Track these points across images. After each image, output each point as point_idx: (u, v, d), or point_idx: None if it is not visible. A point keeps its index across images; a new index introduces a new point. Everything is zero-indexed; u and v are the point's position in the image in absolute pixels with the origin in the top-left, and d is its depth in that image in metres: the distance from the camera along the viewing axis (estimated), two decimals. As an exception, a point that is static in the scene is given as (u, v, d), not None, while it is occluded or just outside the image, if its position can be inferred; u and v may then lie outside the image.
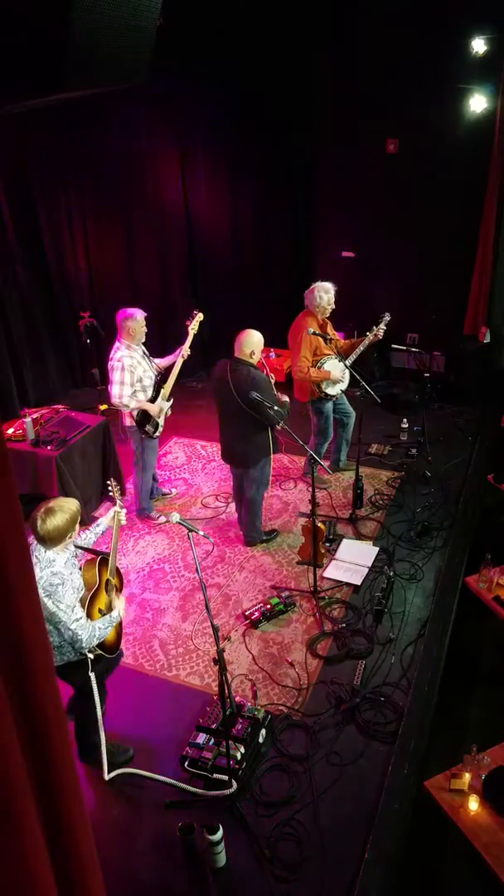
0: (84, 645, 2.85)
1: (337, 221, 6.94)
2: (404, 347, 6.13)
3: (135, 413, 4.64)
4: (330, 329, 5.11)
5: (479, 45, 5.60)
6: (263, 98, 6.29)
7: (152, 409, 4.66)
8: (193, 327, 4.82)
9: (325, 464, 5.39)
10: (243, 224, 6.94)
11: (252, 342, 4.24)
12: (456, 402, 6.44)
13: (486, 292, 6.58)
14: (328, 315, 4.96)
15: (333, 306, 4.91)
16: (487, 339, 6.69)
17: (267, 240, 7.03)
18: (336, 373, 4.92)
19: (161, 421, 4.78)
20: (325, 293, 4.82)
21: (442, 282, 6.72)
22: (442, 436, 5.94)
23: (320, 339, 4.85)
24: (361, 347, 5.00)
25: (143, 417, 4.65)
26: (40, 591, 2.76)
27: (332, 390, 5.03)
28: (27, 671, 1.16)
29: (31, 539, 2.84)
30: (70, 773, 1.36)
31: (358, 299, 5.75)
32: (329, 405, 5.14)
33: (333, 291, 4.85)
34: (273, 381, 4.41)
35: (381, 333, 4.99)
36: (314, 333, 4.76)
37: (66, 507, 2.85)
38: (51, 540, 2.81)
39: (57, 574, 2.80)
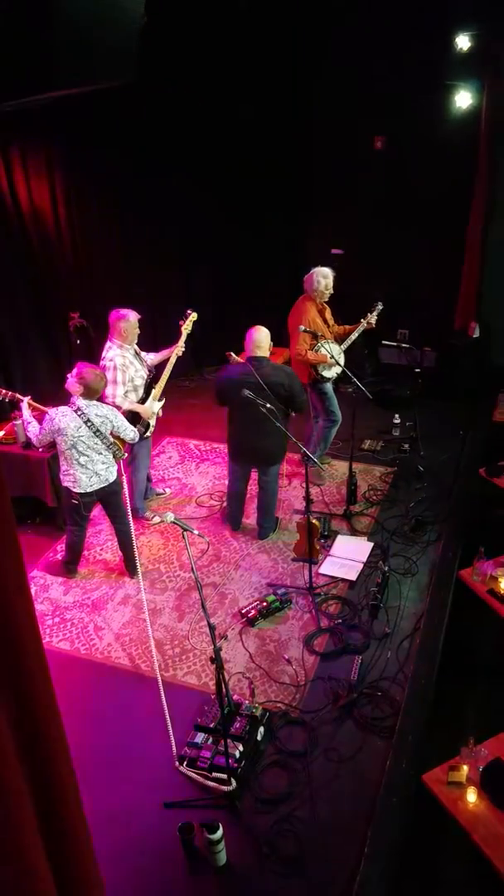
0: (134, 438, 4.26)
1: (325, 219, 6.95)
2: (395, 343, 6.16)
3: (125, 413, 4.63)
4: (328, 314, 5.19)
5: (463, 42, 5.63)
6: (258, 100, 6.30)
7: (144, 411, 4.64)
8: (186, 327, 4.80)
9: (320, 459, 5.42)
10: (236, 223, 6.93)
11: (266, 337, 4.38)
12: (447, 397, 6.47)
13: (475, 288, 6.61)
14: (326, 300, 5.07)
15: (331, 291, 5.01)
16: (477, 334, 6.72)
17: (260, 239, 7.02)
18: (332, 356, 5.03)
19: (152, 422, 4.77)
20: (322, 278, 4.92)
21: (431, 277, 6.74)
22: (434, 431, 5.96)
23: (319, 324, 4.99)
24: (355, 334, 5.17)
25: (132, 418, 4.63)
26: (111, 415, 4.08)
27: (328, 373, 5.15)
28: (22, 671, 1.16)
29: (75, 399, 3.99)
30: (67, 775, 1.36)
31: (347, 296, 5.77)
32: (329, 386, 5.24)
33: (332, 277, 4.96)
34: None
35: (374, 321, 5.18)
36: (305, 331, 4.86)
37: (98, 370, 4.11)
38: (97, 391, 4.00)
39: (108, 406, 4.11)
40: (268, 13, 5.85)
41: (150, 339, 5.80)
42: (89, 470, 4.08)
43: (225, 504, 5.11)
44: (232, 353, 4.88)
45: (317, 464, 4.50)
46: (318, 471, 5.40)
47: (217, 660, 2.90)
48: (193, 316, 4.84)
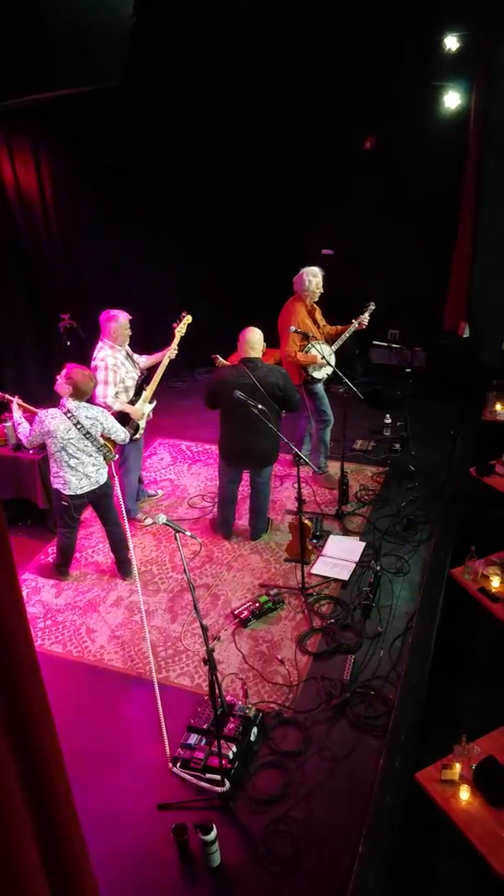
0: (124, 439, 4.26)
1: (325, 219, 6.96)
2: (385, 344, 6.19)
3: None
4: (319, 315, 5.19)
5: (451, 43, 5.66)
6: (257, 100, 6.31)
7: (134, 412, 4.63)
8: (180, 329, 4.78)
9: (315, 460, 5.43)
10: (235, 224, 6.94)
11: (260, 338, 4.37)
12: (437, 397, 6.50)
13: (464, 288, 6.65)
14: (317, 299, 5.07)
15: (322, 290, 5.01)
16: (467, 334, 6.77)
17: (260, 239, 7.03)
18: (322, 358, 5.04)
19: (142, 424, 4.75)
20: (312, 277, 4.93)
21: (423, 277, 6.77)
22: (425, 430, 5.99)
23: (309, 324, 4.99)
24: (346, 334, 5.16)
25: (122, 419, 4.61)
26: (101, 417, 4.06)
27: (319, 374, 5.14)
28: (14, 674, 1.15)
29: (65, 400, 3.98)
30: (61, 778, 1.35)
31: (337, 297, 5.80)
32: (320, 386, 5.24)
33: (321, 276, 4.96)
34: None
35: (365, 322, 5.16)
36: (295, 332, 4.86)
37: (87, 370, 4.10)
38: (86, 392, 4.00)
39: (98, 408, 4.09)
40: (267, 13, 5.85)
41: (144, 340, 5.78)
42: (79, 472, 4.08)
43: (215, 511, 5.08)
44: (218, 357, 4.86)
45: (311, 465, 4.51)
46: (326, 475, 5.41)
47: (210, 661, 2.89)
48: (188, 318, 4.81)
